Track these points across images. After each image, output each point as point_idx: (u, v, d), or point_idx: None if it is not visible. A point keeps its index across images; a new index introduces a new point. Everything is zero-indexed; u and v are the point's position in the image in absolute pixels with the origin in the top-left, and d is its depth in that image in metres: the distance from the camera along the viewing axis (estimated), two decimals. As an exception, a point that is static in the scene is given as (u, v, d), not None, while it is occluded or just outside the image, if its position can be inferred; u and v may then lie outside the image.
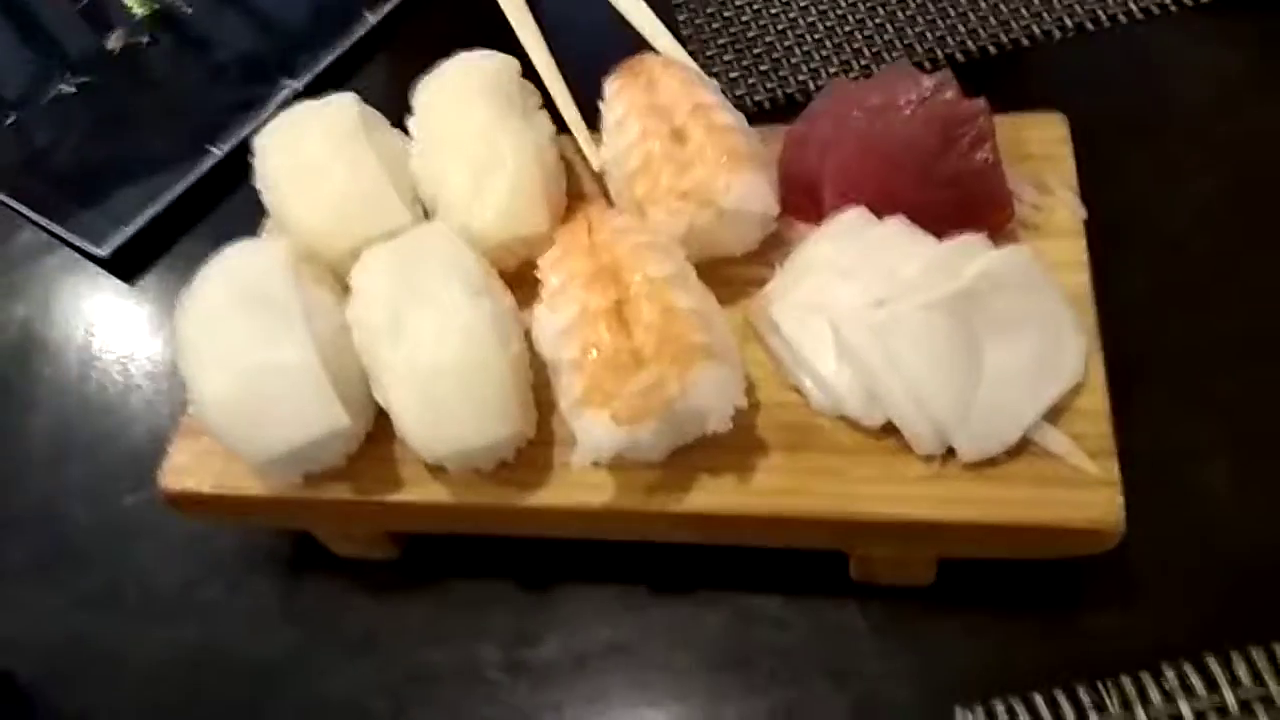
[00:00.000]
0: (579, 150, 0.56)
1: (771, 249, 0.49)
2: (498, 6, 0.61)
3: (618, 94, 0.51)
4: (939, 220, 0.45)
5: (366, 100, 0.54)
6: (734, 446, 0.44)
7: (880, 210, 0.46)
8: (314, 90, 0.72)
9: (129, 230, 0.67)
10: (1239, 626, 0.43)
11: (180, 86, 0.75)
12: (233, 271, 0.48)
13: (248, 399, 0.44)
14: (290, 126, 0.53)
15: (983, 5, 0.64)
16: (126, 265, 0.68)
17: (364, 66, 0.73)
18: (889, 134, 0.46)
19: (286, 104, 0.71)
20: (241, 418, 0.44)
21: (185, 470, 0.49)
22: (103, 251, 0.67)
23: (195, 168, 0.69)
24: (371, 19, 0.74)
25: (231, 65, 0.75)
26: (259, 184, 0.53)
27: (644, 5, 0.57)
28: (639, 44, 0.56)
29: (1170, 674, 0.43)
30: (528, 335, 0.47)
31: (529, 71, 0.56)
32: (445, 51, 0.55)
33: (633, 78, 0.51)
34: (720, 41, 0.66)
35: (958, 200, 0.46)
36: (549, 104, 0.56)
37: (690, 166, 0.47)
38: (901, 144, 0.46)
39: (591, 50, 0.55)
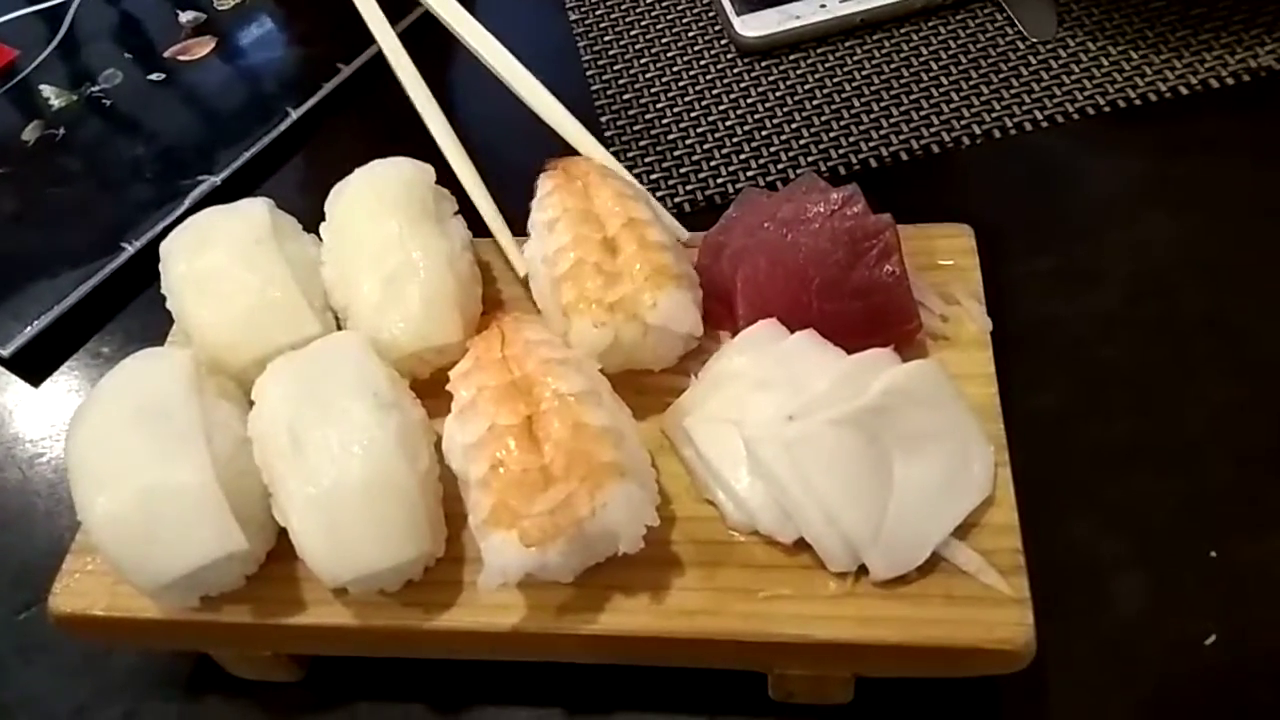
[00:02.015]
0: (496, 255, 0.55)
1: (688, 358, 0.49)
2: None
3: (551, 194, 0.51)
4: (848, 332, 0.46)
5: (284, 197, 0.53)
6: (647, 564, 0.43)
7: (790, 321, 0.46)
8: (232, 185, 0.71)
9: (33, 329, 0.65)
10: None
11: (95, 180, 0.73)
12: (131, 384, 0.46)
13: (140, 521, 0.42)
14: (197, 232, 0.52)
15: (894, 114, 0.66)
16: (31, 365, 0.66)
17: (285, 162, 0.73)
18: (797, 247, 0.47)
19: (204, 199, 0.70)
20: (133, 540, 0.42)
21: (76, 591, 0.47)
22: (4, 351, 0.65)
23: (107, 264, 0.67)
24: (294, 114, 0.74)
25: (149, 159, 0.73)
26: (164, 290, 0.51)
27: (566, 111, 0.57)
28: (563, 148, 0.56)
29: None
30: (439, 446, 0.46)
31: (445, 176, 0.56)
32: (367, 148, 0.54)
33: (568, 180, 0.51)
34: (642, 143, 0.67)
35: (866, 312, 0.46)
36: (468, 207, 0.56)
37: (619, 279, 0.46)
38: (810, 257, 0.46)
39: (513, 153, 0.55)
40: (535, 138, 0.57)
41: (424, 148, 0.57)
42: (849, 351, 0.45)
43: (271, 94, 0.75)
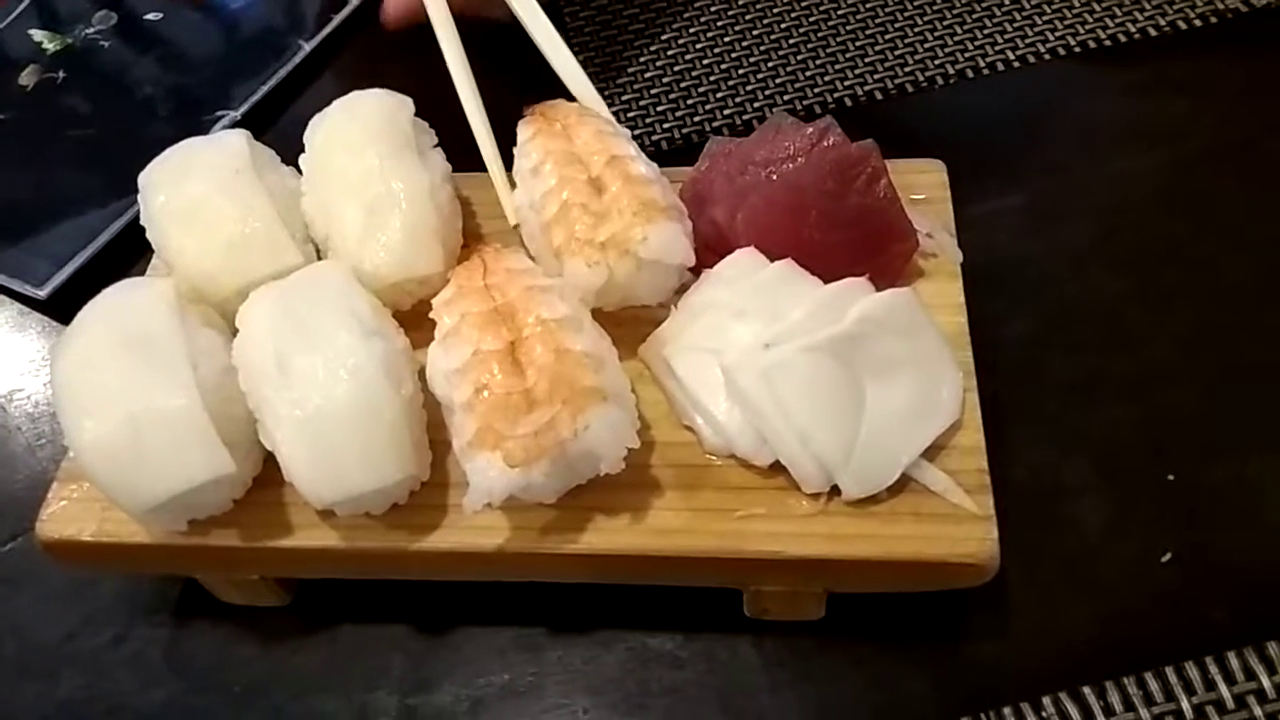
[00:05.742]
0: (477, 189, 0.55)
1: (665, 289, 0.50)
2: (431, 34, 0.58)
3: (532, 139, 0.51)
4: (849, 260, 0.46)
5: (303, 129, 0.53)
6: (628, 486, 0.44)
7: (796, 257, 0.46)
8: (252, 119, 0.70)
9: (67, 270, 0.64)
10: (1111, 656, 0.45)
11: (109, 120, 0.71)
12: (114, 311, 0.46)
13: (128, 445, 0.42)
14: (176, 163, 0.51)
15: (869, 53, 0.67)
16: (66, 307, 0.63)
17: (300, 95, 0.72)
18: (787, 183, 0.47)
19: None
20: (121, 464, 0.43)
21: (64, 517, 0.47)
22: (40, 293, 0.63)
23: (129, 205, 0.65)
24: (307, 47, 0.73)
25: (162, 97, 0.72)
26: (144, 221, 0.52)
27: (569, 53, 0.56)
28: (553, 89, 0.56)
29: (1048, 704, 0.44)
30: (422, 375, 0.47)
31: (441, 109, 0.55)
32: (384, 80, 0.54)
33: (547, 124, 0.51)
34: (619, 82, 0.68)
35: (863, 237, 0.47)
36: (469, 140, 0.55)
37: (607, 217, 0.47)
38: (801, 192, 0.47)
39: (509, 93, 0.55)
40: (530, 78, 0.56)
41: (436, 76, 0.56)
42: (853, 278, 0.45)
43: (280, 28, 0.75)
